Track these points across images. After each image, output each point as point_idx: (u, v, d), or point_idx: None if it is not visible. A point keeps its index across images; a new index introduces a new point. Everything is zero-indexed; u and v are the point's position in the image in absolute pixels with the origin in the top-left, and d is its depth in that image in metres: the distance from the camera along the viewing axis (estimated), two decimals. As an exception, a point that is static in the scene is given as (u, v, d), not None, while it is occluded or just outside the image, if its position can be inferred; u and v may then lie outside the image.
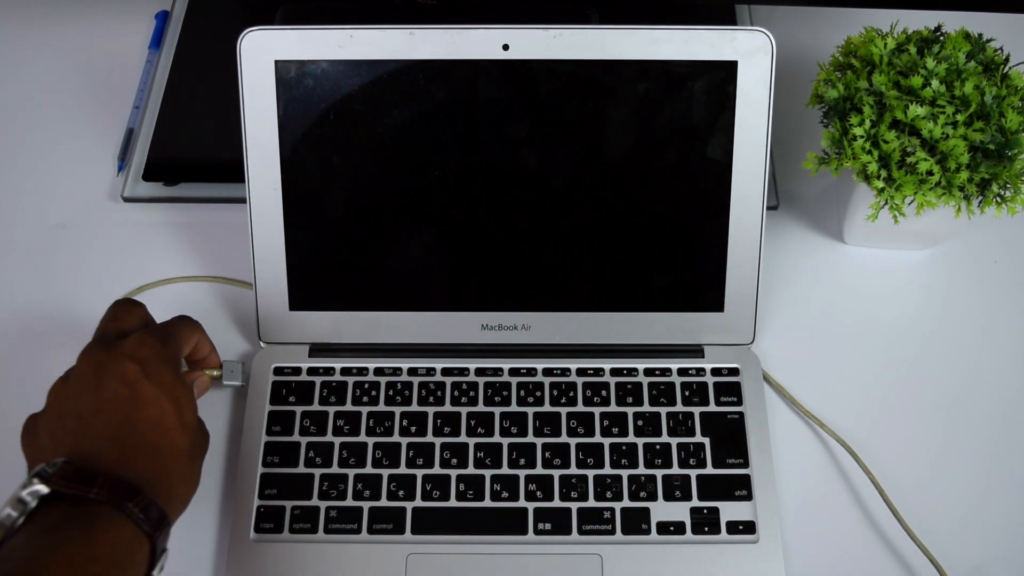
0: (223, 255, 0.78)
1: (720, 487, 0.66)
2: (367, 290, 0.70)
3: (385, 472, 0.67)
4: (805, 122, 0.78)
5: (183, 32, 0.89)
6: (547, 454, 0.67)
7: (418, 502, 0.66)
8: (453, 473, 0.67)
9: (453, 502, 0.66)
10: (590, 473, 0.67)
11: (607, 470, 0.67)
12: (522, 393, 0.70)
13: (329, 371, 0.71)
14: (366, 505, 0.66)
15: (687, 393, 0.70)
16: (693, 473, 0.67)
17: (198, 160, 0.81)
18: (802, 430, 0.71)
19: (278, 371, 0.71)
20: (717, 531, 0.65)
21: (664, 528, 0.65)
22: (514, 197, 0.69)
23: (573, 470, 0.67)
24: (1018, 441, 0.70)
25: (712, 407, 0.69)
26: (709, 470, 0.67)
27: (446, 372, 0.71)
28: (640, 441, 0.68)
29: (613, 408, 0.69)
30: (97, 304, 0.65)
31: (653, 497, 0.66)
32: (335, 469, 0.67)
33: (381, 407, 0.69)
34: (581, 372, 0.71)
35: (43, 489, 0.52)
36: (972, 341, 0.75)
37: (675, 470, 0.67)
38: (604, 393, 0.70)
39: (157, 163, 0.81)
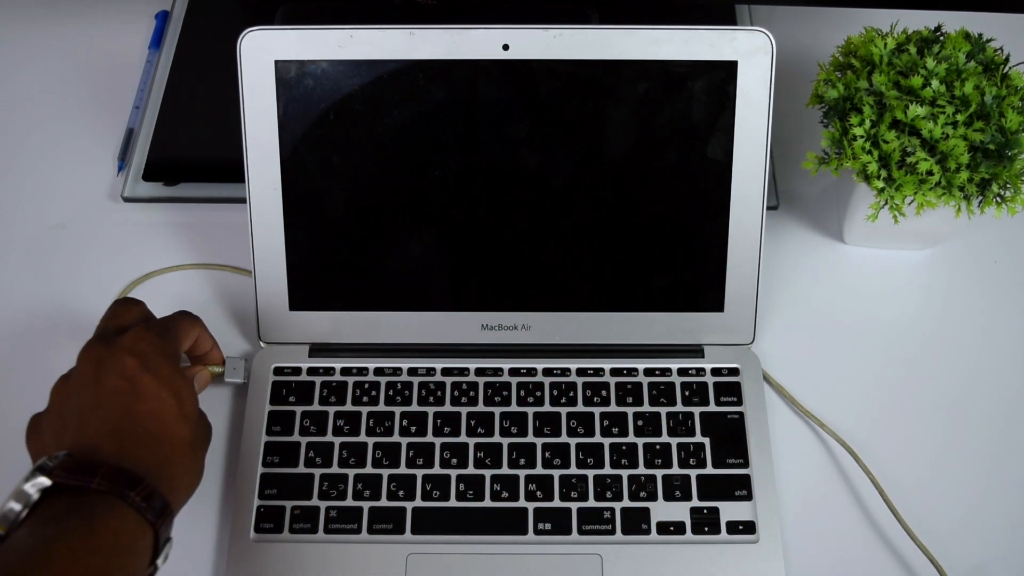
0: (223, 255, 0.78)
1: (720, 487, 0.66)
2: (367, 290, 0.70)
3: (385, 472, 0.67)
4: (805, 122, 0.78)
5: (183, 32, 0.89)
6: (547, 454, 0.67)
7: (418, 502, 0.66)
8: (453, 473, 0.67)
9: (453, 502, 0.66)
10: (590, 473, 0.67)
11: (607, 470, 0.67)
12: (522, 393, 0.70)
13: (329, 371, 0.71)
14: (366, 505, 0.66)
15: (687, 393, 0.70)
16: (693, 473, 0.67)
17: (198, 160, 0.81)
18: (802, 430, 0.71)
19: (278, 371, 0.71)
20: (717, 531, 0.65)
21: (664, 528, 0.65)
22: (514, 197, 0.69)
23: (573, 470, 0.67)
24: (1018, 441, 0.70)
25: (712, 407, 0.69)
26: (709, 470, 0.67)
27: (446, 372, 0.71)
28: (640, 441, 0.68)
29: (613, 408, 0.69)
30: (97, 304, 0.66)
31: (653, 497, 0.66)
32: (335, 469, 0.67)
33: (381, 407, 0.69)
34: (581, 372, 0.71)
35: (45, 481, 0.52)
36: (972, 341, 0.75)
37: (675, 470, 0.67)
38: (604, 393, 0.70)
39: (157, 163, 0.81)
